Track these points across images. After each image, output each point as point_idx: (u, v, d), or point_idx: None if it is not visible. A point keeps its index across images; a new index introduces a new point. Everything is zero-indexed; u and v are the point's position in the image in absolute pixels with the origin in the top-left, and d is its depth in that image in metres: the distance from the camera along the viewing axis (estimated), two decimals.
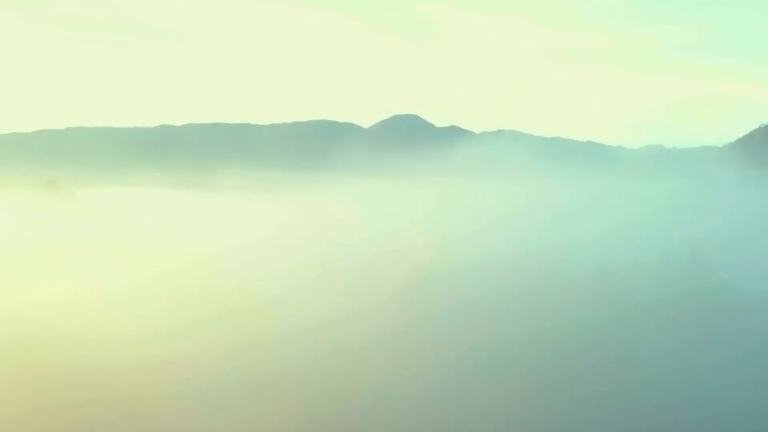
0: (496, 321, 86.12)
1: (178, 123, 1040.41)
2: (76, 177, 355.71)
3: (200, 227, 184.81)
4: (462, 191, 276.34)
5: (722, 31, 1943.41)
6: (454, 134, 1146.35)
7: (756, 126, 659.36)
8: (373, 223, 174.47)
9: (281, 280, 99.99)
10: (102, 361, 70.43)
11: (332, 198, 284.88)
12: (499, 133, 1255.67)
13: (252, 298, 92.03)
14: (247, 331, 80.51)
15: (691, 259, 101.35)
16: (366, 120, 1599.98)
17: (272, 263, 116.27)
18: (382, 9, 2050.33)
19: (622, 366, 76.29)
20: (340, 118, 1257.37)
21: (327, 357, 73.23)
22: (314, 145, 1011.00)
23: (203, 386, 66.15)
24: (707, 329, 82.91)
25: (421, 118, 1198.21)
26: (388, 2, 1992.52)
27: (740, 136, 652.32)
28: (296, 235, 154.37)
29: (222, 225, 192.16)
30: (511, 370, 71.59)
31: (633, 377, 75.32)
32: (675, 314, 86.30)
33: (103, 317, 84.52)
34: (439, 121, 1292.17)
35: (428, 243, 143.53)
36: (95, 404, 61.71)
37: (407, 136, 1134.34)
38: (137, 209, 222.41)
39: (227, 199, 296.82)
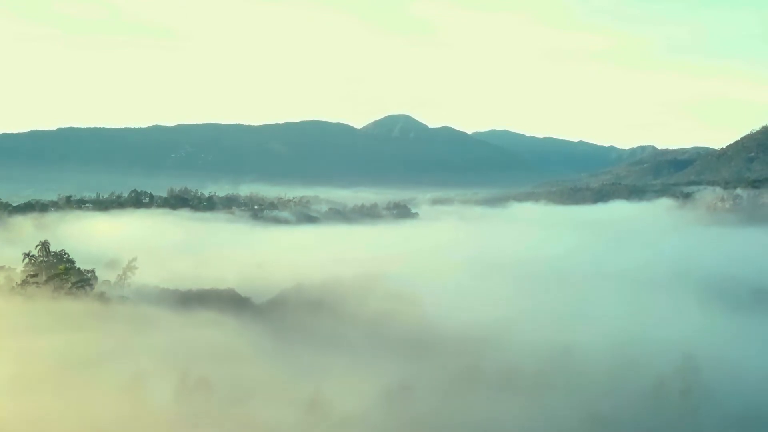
0: None
1: (170, 123, 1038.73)
2: None
3: None
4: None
5: (723, 31, 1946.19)
6: (446, 135, 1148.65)
7: (751, 130, 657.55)
8: None
9: None
10: None
11: None
12: (492, 133, 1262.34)
13: None
14: None
15: None
16: (359, 120, 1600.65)
17: None
18: (380, 8, 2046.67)
19: None
20: (333, 119, 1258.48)
21: None
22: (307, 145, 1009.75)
23: None
24: None
25: (413, 119, 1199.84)
26: (386, 1, 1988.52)
27: (737, 138, 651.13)
28: None
29: None
30: None
31: None
32: None
33: None
34: (432, 121, 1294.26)
35: None
36: None
37: (400, 136, 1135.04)
38: None
39: None
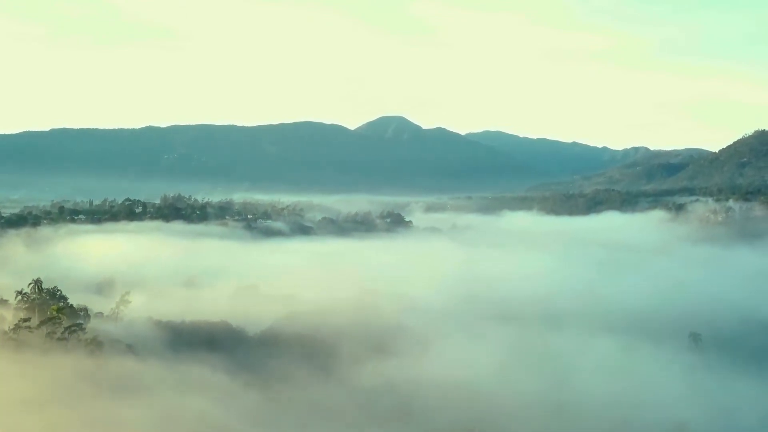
0: None
1: (163, 124, 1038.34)
2: None
3: None
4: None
5: (722, 32, 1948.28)
6: (439, 136, 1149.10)
7: (744, 134, 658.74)
8: None
9: None
10: None
11: None
12: (485, 134, 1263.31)
13: None
14: None
15: None
16: (352, 122, 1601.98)
17: None
18: (379, 8, 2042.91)
19: None
20: (327, 120, 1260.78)
21: None
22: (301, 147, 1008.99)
23: None
24: None
25: (407, 120, 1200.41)
26: (386, 2, 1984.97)
27: (733, 141, 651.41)
28: None
29: None
30: None
31: None
32: None
33: None
34: (426, 122, 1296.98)
35: None
36: None
37: (393, 137, 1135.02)
38: None
39: None
